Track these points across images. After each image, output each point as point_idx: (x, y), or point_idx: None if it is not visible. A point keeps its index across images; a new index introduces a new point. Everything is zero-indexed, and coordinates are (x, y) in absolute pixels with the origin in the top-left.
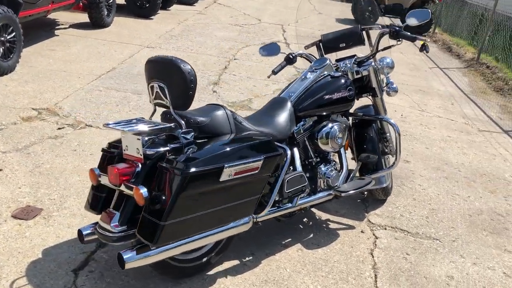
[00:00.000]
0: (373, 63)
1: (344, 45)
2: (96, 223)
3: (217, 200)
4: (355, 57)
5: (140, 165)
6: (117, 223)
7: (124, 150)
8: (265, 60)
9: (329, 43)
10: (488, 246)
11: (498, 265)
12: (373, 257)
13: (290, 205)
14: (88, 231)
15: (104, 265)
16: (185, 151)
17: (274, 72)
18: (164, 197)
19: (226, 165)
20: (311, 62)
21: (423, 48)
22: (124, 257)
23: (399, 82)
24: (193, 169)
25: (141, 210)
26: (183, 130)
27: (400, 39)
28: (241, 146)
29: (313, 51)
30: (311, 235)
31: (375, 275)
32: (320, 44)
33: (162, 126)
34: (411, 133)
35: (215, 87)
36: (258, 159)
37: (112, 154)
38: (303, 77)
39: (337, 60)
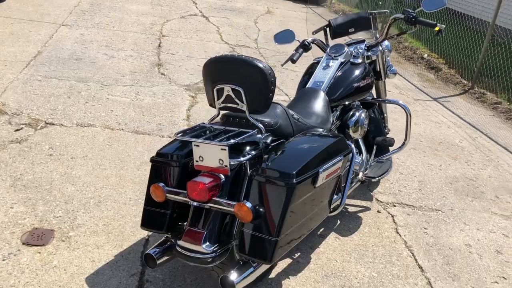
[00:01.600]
0: (380, 48)
1: (353, 30)
2: (165, 242)
3: (311, 205)
4: (365, 42)
5: (223, 177)
6: (209, 243)
7: (197, 162)
8: (195, 36)
9: (338, 28)
10: (478, 211)
11: (495, 227)
12: (400, 236)
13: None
14: (159, 253)
15: (163, 286)
16: (265, 158)
17: (293, 61)
18: (266, 210)
19: (320, 170)
20: (323, 49)
21: (439, 33)
22: (233, 280)
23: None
24: (296, 180)
25: (231, 226)
26: (264, 135)
27: (416, 25)
28: (323, 148)
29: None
30: (339, 222)
31: (412, 253)
32: (327, 29)
33: (246, 134)
34: None
35: (160, 69)
36: (339, 159)
37: (170, 165)
38: (324, 65)
39: (347, 45)
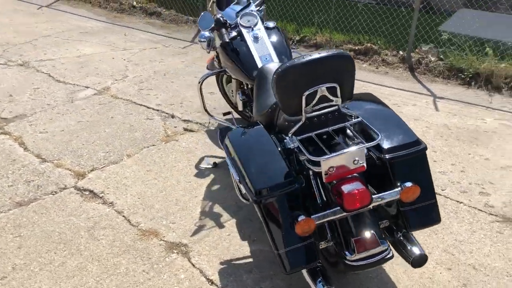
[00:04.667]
0: (264, 6)
1: None
2: (318, 272)
3: None
4: (251, 4)
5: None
6: (380, 239)
7: (327, 174)
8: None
9: None
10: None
11: None
12: None
13: None
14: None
15: None
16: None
17: (232, 39)
18: (418, 181)
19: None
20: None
21: None
22: (421, 252)
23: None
24: (422, 142)
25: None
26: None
27: None
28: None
29: None
30: None
31: None
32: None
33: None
34: None
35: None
36: None
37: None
38: (252, 38)
39: (239, 12)
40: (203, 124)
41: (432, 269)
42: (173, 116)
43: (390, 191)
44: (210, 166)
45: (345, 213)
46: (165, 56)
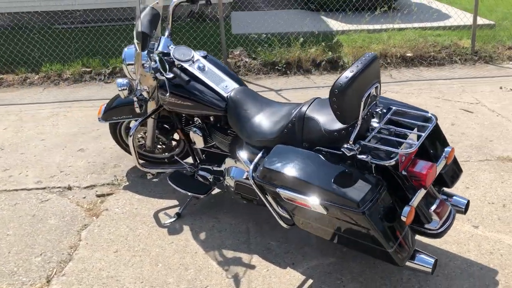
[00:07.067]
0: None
1: (155, 30)
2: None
3: None
4: (163, 37)
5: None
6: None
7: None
8: None
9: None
10: None
11: None
12: None
13: None
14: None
15: None
16: None
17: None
18: None
19: None
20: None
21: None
22: None
23: None
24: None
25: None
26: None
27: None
28: None
29: None
30: None
31: None
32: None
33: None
34: None
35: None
36: None
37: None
38: (198, 70)
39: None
40: (112, 182)
41: None
42: (69, 188)
43: (439, 159)
44: (175, 219)
45: (424, 190)
46: None
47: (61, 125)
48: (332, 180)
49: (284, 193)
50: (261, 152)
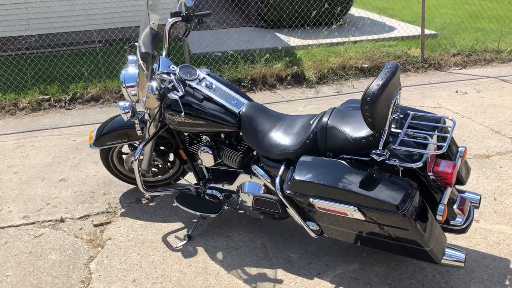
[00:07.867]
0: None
1: (155, 51)
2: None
3: None
4: (161, 56)
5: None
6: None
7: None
8: None
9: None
10: None
11: None
12: None
13: None
14: None
15: None
16: None
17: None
18: None
19: None
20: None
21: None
22: None
23: None
24: None
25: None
26: None
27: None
28: None
29: None
30: None
31: None
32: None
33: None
34: None
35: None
36: None
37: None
38: (210, 88)
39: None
40: (106, 210)
41: None
42: (62, 220)
43: (456, 158)
44: (186, 241)
45: (451, 188)
46: None
47: (32, 156)
48: (367, 186)
49: (318, 202)
50: (283, 165)
